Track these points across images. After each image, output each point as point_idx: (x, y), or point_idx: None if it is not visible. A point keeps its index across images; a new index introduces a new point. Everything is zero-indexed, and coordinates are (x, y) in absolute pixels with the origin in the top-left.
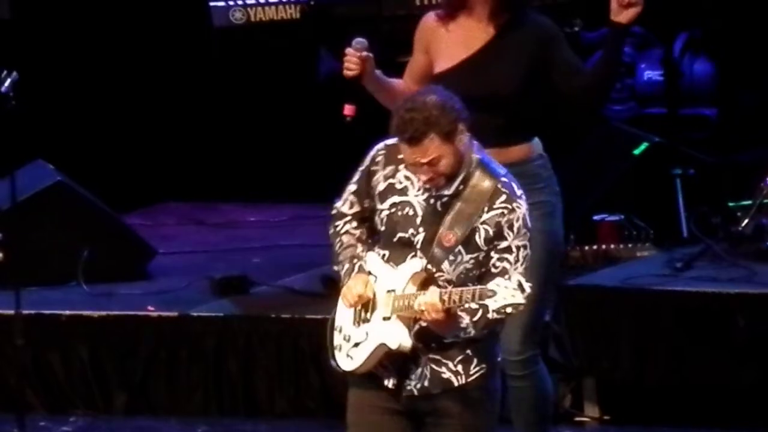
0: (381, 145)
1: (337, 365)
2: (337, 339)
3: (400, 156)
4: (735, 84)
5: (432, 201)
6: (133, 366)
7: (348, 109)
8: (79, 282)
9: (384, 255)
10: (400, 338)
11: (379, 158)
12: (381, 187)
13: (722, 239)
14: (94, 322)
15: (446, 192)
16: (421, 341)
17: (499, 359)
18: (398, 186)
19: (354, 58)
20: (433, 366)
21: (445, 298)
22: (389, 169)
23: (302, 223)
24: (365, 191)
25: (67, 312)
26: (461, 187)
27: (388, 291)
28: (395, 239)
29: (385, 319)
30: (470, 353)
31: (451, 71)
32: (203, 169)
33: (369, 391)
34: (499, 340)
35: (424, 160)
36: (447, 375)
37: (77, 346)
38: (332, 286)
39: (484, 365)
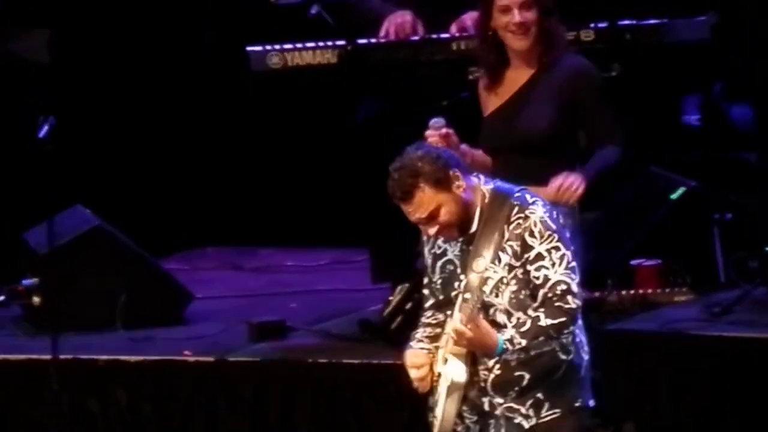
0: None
1: None
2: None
3: None
4: None
5: (464, 247)
6: (171, 411)
7: None
8: (116, 327)
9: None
10: (458, 370)
11: (423, 238)
12: (429, 261)
13: (760, 284)
14: (131, 367)
15: (470, 232)
16: (475, 366)
17: (578, 404)
18: (438, 251)
19: (435, 138)
20: (508, 414)
21: (463, 315)
22: (430, 242)
23: (340, 267)
24: (430, 276)
25: (105, 357)
26: (482, 223)
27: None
28: (450, 300)
29: (445, 362)
30: (541, 397)
31: (488, 119)
32: (241, 214)
33: None
34: (576, 383)
35: (424, 215)
36: (518, 420)
37: (115, 391)
38: (370, 331)
39: (557, 410)
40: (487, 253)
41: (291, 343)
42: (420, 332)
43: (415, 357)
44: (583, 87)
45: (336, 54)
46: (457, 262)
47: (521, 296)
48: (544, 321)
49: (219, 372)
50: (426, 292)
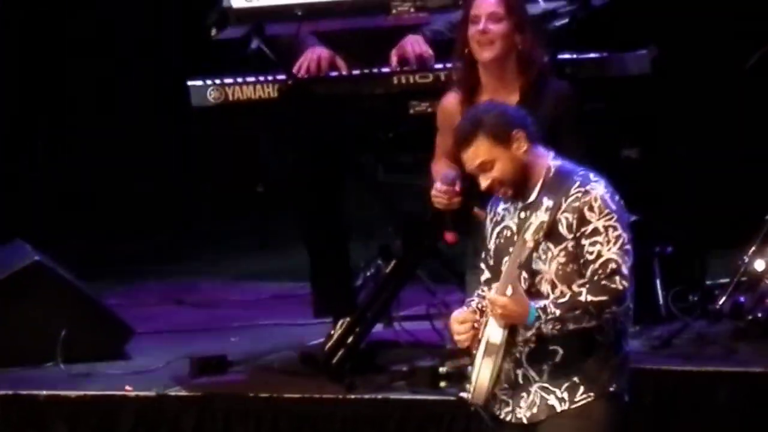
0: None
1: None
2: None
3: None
4: None
5: (522, 215)
6: None
7: (449, 237)
8: (57, 362)
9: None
10: (495, 332)
11: (488, 209)
12: (489, 230)
13: (700, 317)
14: (71, 403)
15: (529, 201)
16: (514, 337)
17: (612, 389)
18: (498, 218)
19: (447, 194)
20: (543, 394)
21: (499, 283)
22: (491, 211)
23: (281, 302)
24: (487, 246)
25: (45, 392)
26: (542, 194)
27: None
28: (502, 266)
29: (486, 327)
30: (577, 380)
31: None
32: (183, 248)
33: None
34: (611, 368)
35: (475, 164)
36: (552, 402)
37: (56, 426)
38: (311, 365)
39: (591, 393)
40: (539, 220)
41: (232, 378)
42: (473, 301)
43: (458, 313)
44: (564, 110)
45: (276, 88)
46: (515, 229)
47: (568, 269)
48: (585, 297)
49: (160, 407)
50: (482, 265)
